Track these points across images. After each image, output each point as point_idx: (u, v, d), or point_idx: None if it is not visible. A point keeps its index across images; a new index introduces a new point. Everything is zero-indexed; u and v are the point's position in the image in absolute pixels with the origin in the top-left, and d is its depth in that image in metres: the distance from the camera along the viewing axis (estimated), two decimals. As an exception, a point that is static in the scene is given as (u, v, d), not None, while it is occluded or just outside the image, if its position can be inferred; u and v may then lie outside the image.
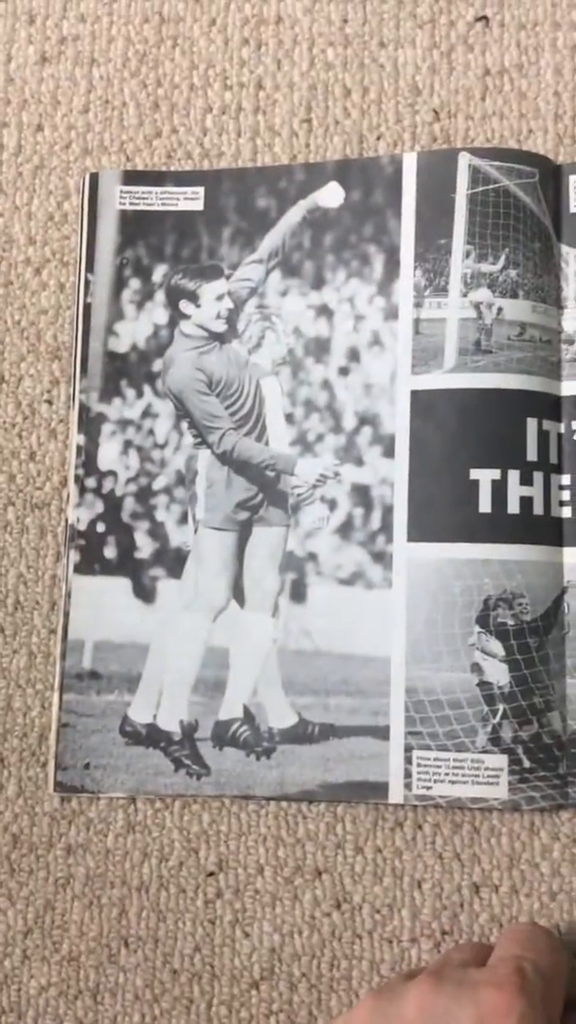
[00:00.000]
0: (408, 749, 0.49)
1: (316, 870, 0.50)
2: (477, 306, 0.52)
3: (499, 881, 0.49)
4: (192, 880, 0.50)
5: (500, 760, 0.49)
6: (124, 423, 0.54)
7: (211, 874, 0.50)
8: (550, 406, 0.52)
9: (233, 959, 0.49)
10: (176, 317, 0.54)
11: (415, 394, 0.52)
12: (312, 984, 0.48)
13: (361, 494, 0.52)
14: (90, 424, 0.54)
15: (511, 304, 0.52)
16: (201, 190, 0.56)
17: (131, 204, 0.55)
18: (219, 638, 0.52)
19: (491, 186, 0.53)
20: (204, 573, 0.52)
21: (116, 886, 0.50)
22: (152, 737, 0.51)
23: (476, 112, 0.56)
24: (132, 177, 0.56)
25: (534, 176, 0.53)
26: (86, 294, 0.55)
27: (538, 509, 0.51)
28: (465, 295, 0.53)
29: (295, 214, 0.54)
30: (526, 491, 0.51)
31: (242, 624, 0.52)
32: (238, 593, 0.52)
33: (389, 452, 0.52)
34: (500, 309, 0.52)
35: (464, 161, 0.53)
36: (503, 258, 0.53)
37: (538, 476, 0.51)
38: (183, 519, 0.53)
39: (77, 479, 0.53)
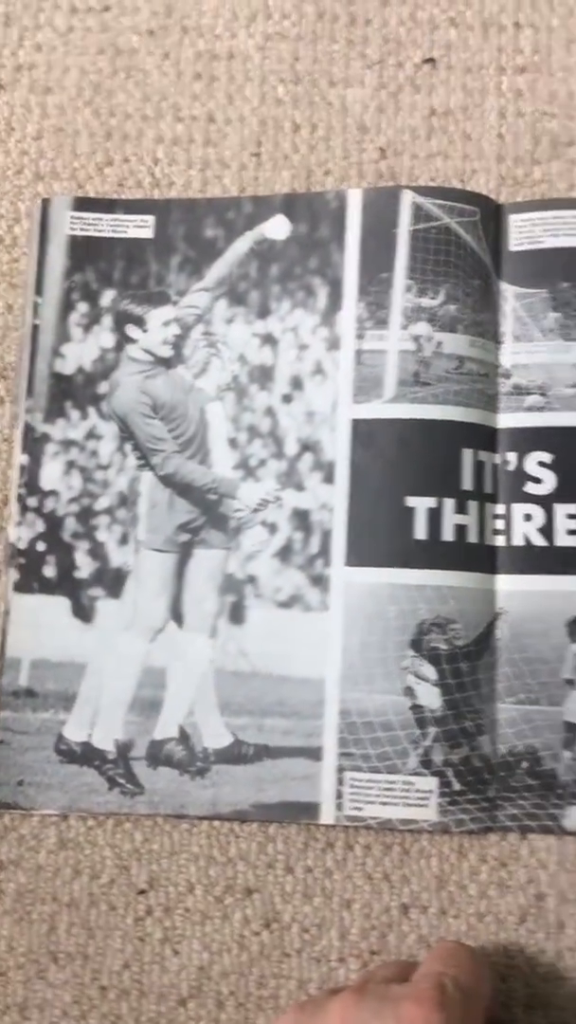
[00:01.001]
0: (340, 770, 0.52)
1: (247, 889, 0.52)
2: (417, 339, 0.56)
3: (428, 902, 0.52)
4: (123, 897, 0.52)
5: (430, 782, 0.52)
6: (68, 444, 0.57)
7: (142, 892, 0.52)
8: (486, 437, 0.55)
9: (162, 976, 0.51)
10: (123, 341, 0.57)
11: (356, 423, 0.55)
12: (240, 1002, 0.51)
13: (301, 519, 0.55)
14: (34, 444, 0.57)
15: (450, 338, 0.56)
16: (151, 219, 0.59)
17: (81, 230, 0.59)
18: (157, 658, 0.54)
19: (433, 223, 0.57)
20: (143, 594, 0.55)
21: (47, 902, 0.52)
22: (87, 755, 0.53)
23: (421, 151, 0.60)
24: (83, 204, 0.59)
25: (475, 215, 0.57)
26: (34, 316, 0.58)
27: (472, 537, 0.54)
28: (405, 328, 0.56)
29: (242, 245, 0.58)
30: (461, 519, 0.54)
31: (180, 645, 0.54)
32: (177, 614, 0.55)
33: (329, 478, 0.55)
34: (439, 343, 0.56)
35: (407, 198, 0.57)
36: (443, 293, 0.56)
37: (473, 505, 0.54)
38: (124, 540, 0.56)
39: (19, 498, 0.56)
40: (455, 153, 0.60)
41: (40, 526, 0.55)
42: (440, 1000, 0.40)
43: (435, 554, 0.53)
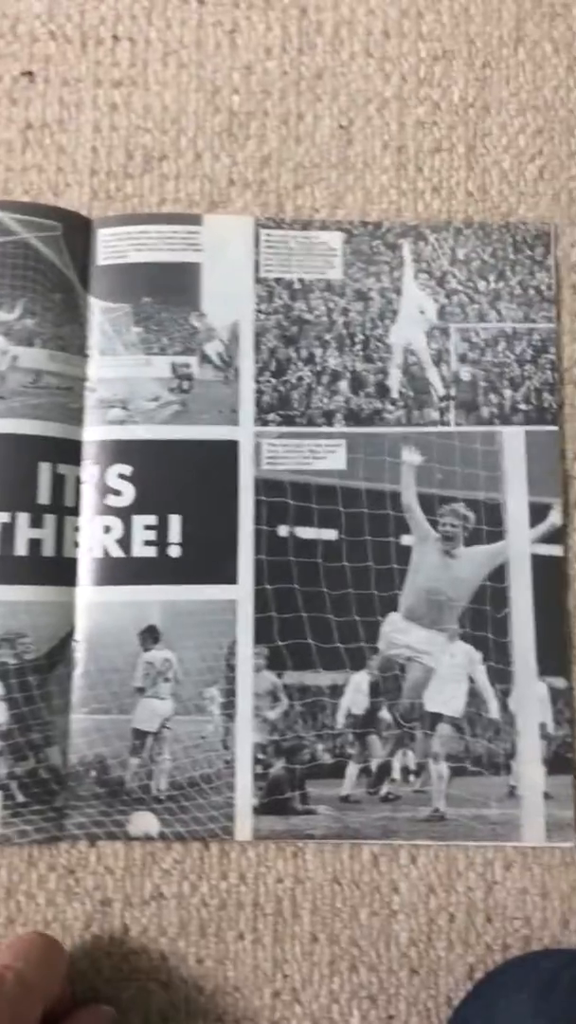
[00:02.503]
0: None
1: None
2: (-8, 353, 0.57)
3: (-4, 913, 0.53)
4: None
5: (-7, 796, 0.53)
6: None
7: None
8: (67, 450, 0.57)
9: None
10: None
11: None
12: None
13: None
14: None
15: (27, 352, 0.57)
16: None
17: None
18: None
19: (10, 238, 0.58)
20: None
21: None
22: None
23: (16, 164, 0.61)
24: None
25: (57, 230, 0.58)
26: None
27: (48, 551, 0.55)
28: (-19, 343, 0.57)
29: None
30: (36, 533, 0.55)
31: None
32: None
33: None
34: (15, 357, 0.57)
35: (-17, 213, 0.58)
36: (20, 307, 0.57)
37: (50, 519, 0.56)
38: None
39: None
40: (49, 166, 0.61)
41: None
42: None
43: (7, 569, 0.55)
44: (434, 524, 0.56)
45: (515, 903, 0.53)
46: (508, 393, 0.58)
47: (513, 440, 0.57)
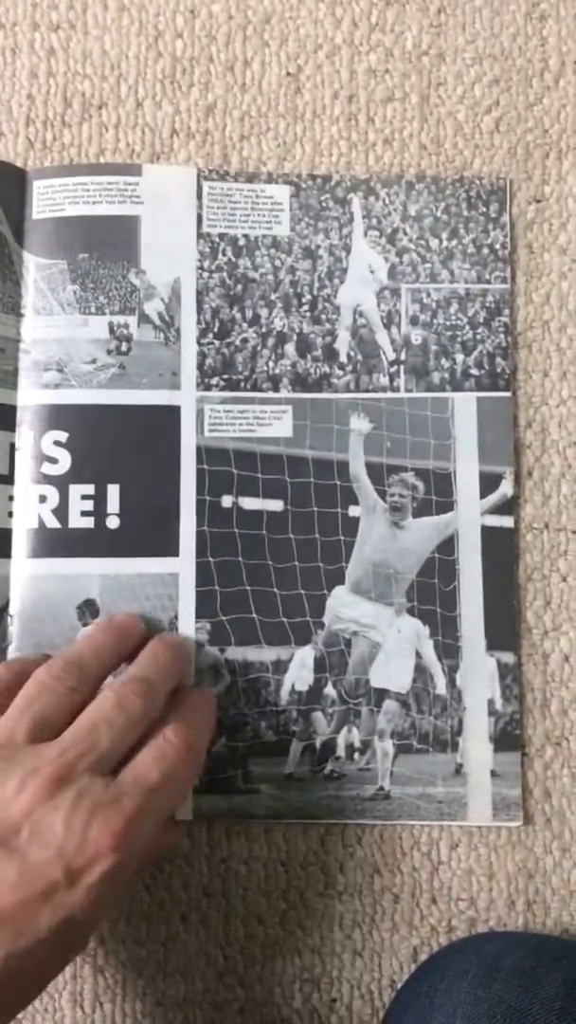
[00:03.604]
0: None
1: None
2: None
3: None
4: None
5: None
6: None
7: None
8: (3, 416, 0.54)
9: None
10: None
11: None
12: None
13: None
14: None
15: (-43, 312, 0.54)
16: None
17: None
18: None
19: None
20: None
21: None
22: None
23: (-53, 112, 0.57)
24: None
25: (-11, 182, 0.55)
26: None
27: (-20, 521, 0.53)
28: None
29: None
30: (-32, 503, 0.53)
31: None
32: None
33: None
34: (-56, 318, 0.54)
35: None
36: (-51, 265, 0.54)
37: (-18, 487, 0.53)
38: None
39: None
40: (-17, 115, 0.57)
41: None
42: (128, 834, 0.39)
43: None
44: (382, 494, 0.54)
45: (460, 884, 0.52)
46: (460, 357, 0.55)
47: (464, 407, 0.55)
